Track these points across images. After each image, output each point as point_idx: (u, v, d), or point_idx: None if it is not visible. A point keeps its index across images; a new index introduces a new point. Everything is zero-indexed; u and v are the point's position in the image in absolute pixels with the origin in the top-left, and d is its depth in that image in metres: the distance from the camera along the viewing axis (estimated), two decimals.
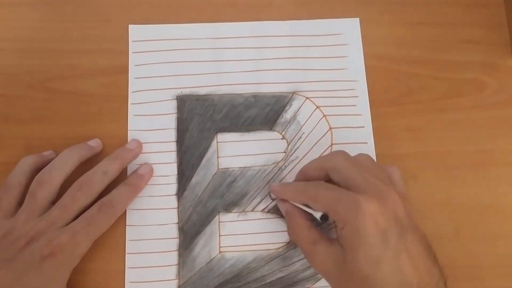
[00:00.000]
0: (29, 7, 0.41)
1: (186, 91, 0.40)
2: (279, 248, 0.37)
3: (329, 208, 0.30)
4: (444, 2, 0.43)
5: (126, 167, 0.37)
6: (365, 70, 0.41)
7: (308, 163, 0.35)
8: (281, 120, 0.39)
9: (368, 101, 0.40)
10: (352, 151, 0.37)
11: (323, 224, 0.36)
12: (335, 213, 0.30)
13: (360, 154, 0.34)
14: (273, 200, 0.37)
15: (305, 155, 0.38)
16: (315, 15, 0.42)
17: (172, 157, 0.38)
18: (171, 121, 0.39)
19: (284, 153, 0.39)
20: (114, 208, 0.34)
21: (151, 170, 0.37)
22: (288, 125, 0.39)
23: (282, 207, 0.35)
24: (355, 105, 0.40)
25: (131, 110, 0.39)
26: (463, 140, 0.39)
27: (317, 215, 0.31)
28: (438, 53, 0.41)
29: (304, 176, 0.35)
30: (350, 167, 0.31)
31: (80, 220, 0.33)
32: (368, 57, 0.41)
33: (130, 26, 0.41)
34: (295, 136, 0.39)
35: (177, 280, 0.36)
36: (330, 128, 0.39)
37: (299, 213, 0.33)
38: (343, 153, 0.33)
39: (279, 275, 0.36)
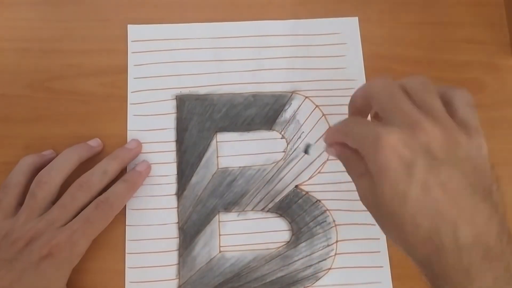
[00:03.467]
0: (29, 7, 0.42)
1: (186, 91, 0.40)
2: (279, 247, 0.37)
3: (357, 144, 0.28)
4: (444, 2, 0.43)
5: (126, 167, 0.37)
6: (365, 70, 0.40)
7: (355, 90, 0.31)
8: (281, 119, 0.39)
9: None
10: None
11: None
12: (362, 149, 0.28)
13: (410, 77, 0.30)
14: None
15: (305, 154, 0.38)
16: (314, 14, 0.42)
17: (172, 156, 0.38)
18: (171, 121, 0.39)
19: (284, 153, 0.39)
20: (111, 206, 0.34)
21: (149, 167, 0.37)
22: (288, 124, 0.39)
23: (332, 152, 0.32)
24: None
25: (131, 110, 0.39)
26: None
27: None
28: (438, 53, 0.41)
29: (352, 106, 0.32)
30: (387, 96, 0.28)
31: (77, 219, 0.33)
32: (367, 56, 0.41)
33: (129, 26, 0.41)
34: (294, 135, 0.39)
35: (177, 280, 0.36)
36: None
37: (350, 148, 0.30)
38: (383, 79, 0.29)
39: (279, 274, 0.36)
